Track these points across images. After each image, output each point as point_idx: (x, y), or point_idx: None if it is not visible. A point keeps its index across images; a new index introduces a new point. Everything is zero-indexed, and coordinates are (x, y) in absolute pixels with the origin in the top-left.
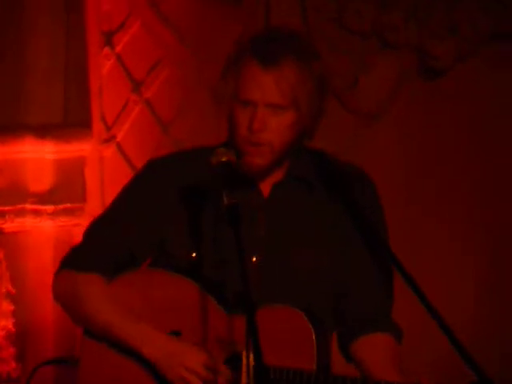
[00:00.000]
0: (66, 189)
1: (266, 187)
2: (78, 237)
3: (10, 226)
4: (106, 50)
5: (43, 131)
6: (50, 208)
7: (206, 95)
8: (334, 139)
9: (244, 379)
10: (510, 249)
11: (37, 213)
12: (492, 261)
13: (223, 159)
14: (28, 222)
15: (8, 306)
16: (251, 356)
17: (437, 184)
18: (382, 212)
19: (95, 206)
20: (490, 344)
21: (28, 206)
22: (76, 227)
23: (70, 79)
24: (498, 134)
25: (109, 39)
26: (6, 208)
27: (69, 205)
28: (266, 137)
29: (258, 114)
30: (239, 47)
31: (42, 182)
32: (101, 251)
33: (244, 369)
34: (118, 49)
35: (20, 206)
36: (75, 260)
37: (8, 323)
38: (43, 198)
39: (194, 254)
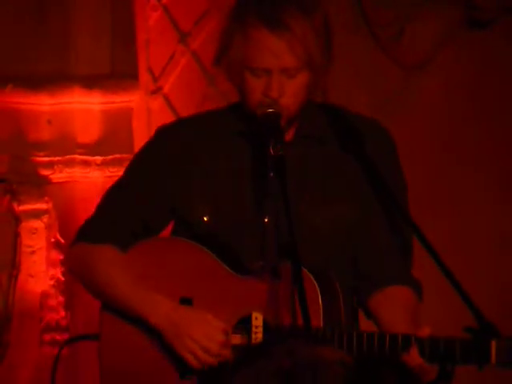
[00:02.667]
0: (113, 139)
1: None
2: None
3: (58, 176)
4: (153, 1)
5: (91, 82)
6: (98, 159)
7: None
8: (378, 90)
9: (254, 340)
10: None
11: (85, 163)
12: None
13: (269, 110)
14: (77, 172)
15: (57, 256)
16: (259, 316)
17: (476, 136)
18: (399, 170)
19: None
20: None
21: (77, 157)
22: None
23: (117, 30)
24: None
25: None
26: (56, 159)
27: (117, 155)
28: (283, 102)
29: (274, 81)
30: (242, 9)
31: (90, 132)
32: (114, 222)
33: (253, 329)
34: (165, 0)
35: (69, 157)
36: (89, 232)
37: (57, 272)
38: (92, 148)
39: (205, 218)
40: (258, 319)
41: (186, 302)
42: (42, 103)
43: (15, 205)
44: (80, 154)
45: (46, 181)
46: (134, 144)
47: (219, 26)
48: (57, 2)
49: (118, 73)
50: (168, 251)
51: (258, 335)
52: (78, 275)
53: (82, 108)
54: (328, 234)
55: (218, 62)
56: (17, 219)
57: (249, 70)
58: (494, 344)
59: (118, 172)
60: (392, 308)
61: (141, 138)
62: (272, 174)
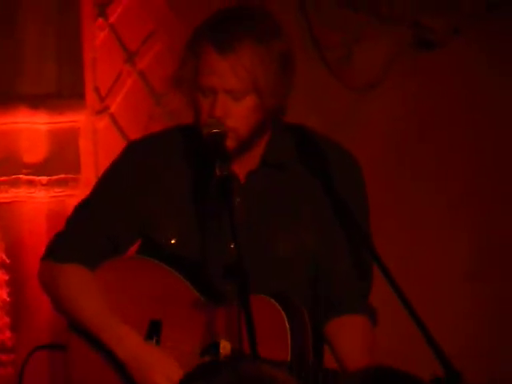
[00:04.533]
0: (59, 160)
1: (241, 173)
2: (71, 207)
3: (4, 196)
4: (100, 20)
5: (37, 102)
6: (44, 179)
7: None
8: (328, 113)
9: None
10: (506, 215)
11: (31, 183)
12: (487, 225)
13: (214, 130)
14: (22, 192)
15: (2, 276)
16: (227, 344)
17: (430, 158)
18: (363, 195)
19: (89, 176)
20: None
21: (22, 177)
22: (70, 198)
23: (64, 50)
24: (492, 107)
25: (102, 10)
26: (1, 179)
27: (63, 175)
28: (230, 124)
29: (218, 100)
30: (196, 31)
31: (36, 152)
32: (81, 240)
33: (221, 358)
34: (112, 19)
35: (14, 177)
36: (56, 250)
37: (2, 293)
38: (37, 168)
39: (173, 241)
40: (226, 348)
41: (155, 324)
42: None
43: None
44: (26, 173)
45: None
46: (80, 164)
47: (166, 46)
48: (2, 21)
49: (64, 92)
50: (137, 271)
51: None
52: (46, 293)
53: (28, 128)
54: (290, 261)
55: (174, 82)
56: None
57: (199, 90)
58: None
59: (64, 192)
60: (349, 336)
61: (87, 157)
62: (239, 200)
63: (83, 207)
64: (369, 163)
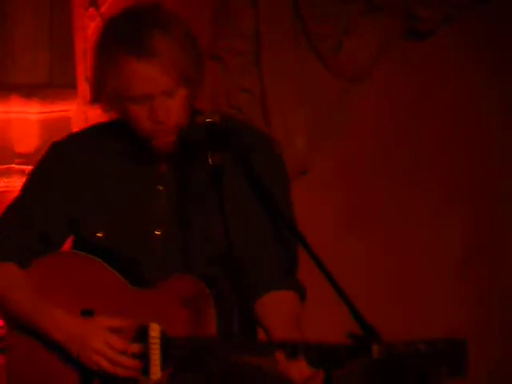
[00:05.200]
0: None
1: (162, 159)
2: None
3: None
4: (91, 10)
5: (29, 92)
6: None
7: None
8: (317, 102)
9: (152, 350)
10: (494, 210)
11: (23, 173)
12: (477, 220)
13: (207, 120)
14: (14, 182)
15: None
16: (156, 327)
17: (420, 148)
18: (282, 177)
19: None
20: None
21: (14, 166)
22: None
23: (56, 40)
24: (483, 97)
25: (93, 0)
26: None
27: None
28: (173, 120)
29: (157, 104)
30: (107, 41)
31: (27, 142)
32: (11, 239)
33: (151, 340)
34: (103, 9)
35: (6, 166)
36: None
37: None
38: (30, 158)
39: (99, 234)
40: (154, 329)
41: (87, 313)
42: None
43: None
44: (18, 163)
45: None
46: None
47: None
48: None
49: (56, 82)
50: (67, 265)
51: (155, 345)
52: None
53: (20, 117)
54: (210, 245)
55: (97, 98)
56: None
57: (129, 100)
58: (375, 348)
59: None
60: (276, 312)
61: None
62: (162, 188)
63: (12, 207)
64: (358, 153)
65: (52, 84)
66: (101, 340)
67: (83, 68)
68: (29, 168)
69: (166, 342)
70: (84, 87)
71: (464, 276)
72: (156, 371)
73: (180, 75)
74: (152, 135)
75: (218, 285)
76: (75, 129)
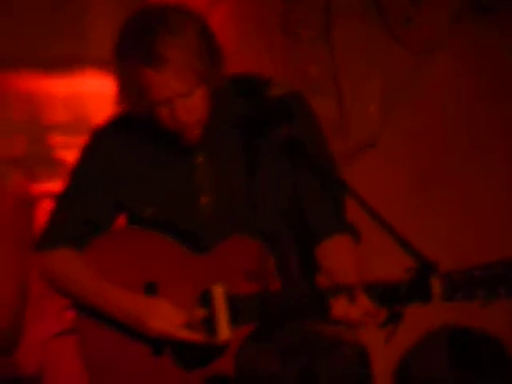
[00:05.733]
0: None
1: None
2: None
3: (74, 158)
4: None
5: (104, 66)
6: None
7: (265, 28)
8: (388, 75)
9: (217, 312)
10: None
11: None
12: None
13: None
14: None
15: None
16: (218, 288)
17: (488, 118)
18: (317, 127)
19: None
20: None
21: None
22: None
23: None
24: None
25: None
26: (71, 140)
27: None
28: (194, 118)
29: (177, 106)
30: (122, 54)
31: (103, 115)
32: (63, 226)
33: (215, 302)
34: None
35: (84, 139)
36: (44, 241)
37: None
38: None
39: (150, 210)
40: (217, 291)
41: (150, 288)
42: (57, 86)
43: (32, 186)
44: None
45: (61, 162)
46: None
47: None
48: None
49: None
50: (125, 240)
51: (219, 306)
52: (48, 281)
53: (95, 91)
54: (259, 204)
55: (122, 101)
56: (33, 200)
57: (153, 104)
58: (434, 281)
59: None
60: (335, 256)
61: None
62: (201, 158)
63: (62, 196)
64: (428, 126)
65: None
66: (161, 319)
67: None
68: None
69: (231, 301)
70: None
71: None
72: (224, 332)
73: (195, 76)
74: (178, 132)
75: (275, 239)
76: None
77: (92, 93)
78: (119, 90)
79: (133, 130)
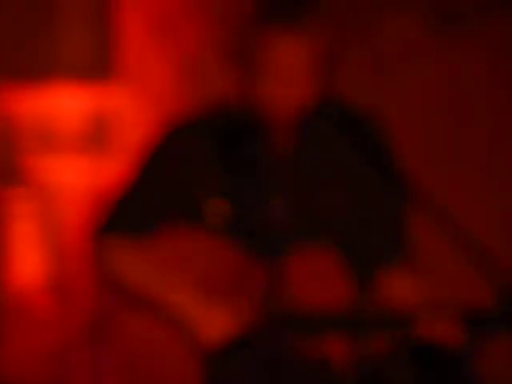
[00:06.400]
0: (96, 138)
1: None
2: (108, 183)
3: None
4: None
5: (73, 81)
6: (81, 156)
7: None
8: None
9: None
10: None
11: (68, 161)
12: None
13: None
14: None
15: None
16: (276, 301)
17: (457, 135)
18: (387, 149)
19: (120, 154)
20: None
21: (60, 154)
22: (104, 174)
23: (97, 28)
24: None
25: None
26: (38, 156)
27: (99, 153)
28: (297, 92)
29: (289, 72)
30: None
31: (73, 130)
32: (137, 213)
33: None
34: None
35: (51, 154)
36: (113, 224)
37: None
38: (75, 146)
39: (223, 218)
40: (274, 303)
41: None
42: (31, 100)
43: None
44: (63, 151)
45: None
46: (115, 141)
47: None
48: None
49: (99, 71)
50: (193, 245)
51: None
52: (103, 265)
53: (65, 106)
54: (329, 217)
55: (230, 58)
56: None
57: (265, 61)
58: None
59: (101, 169)
60: (402, 289)
61: (120, 135)
62: (278, 161)
63: (131, 190)
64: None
65: (95, 73)
66: (217, 327)
67: (123, 58)
68: (74, 156)
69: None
70: (124, 76)
71: None
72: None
73: (319, 61)
74: (273, 103)
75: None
76: (117, 118)
77: (61, 108)
78: (237, 44)
79: (205, 134)
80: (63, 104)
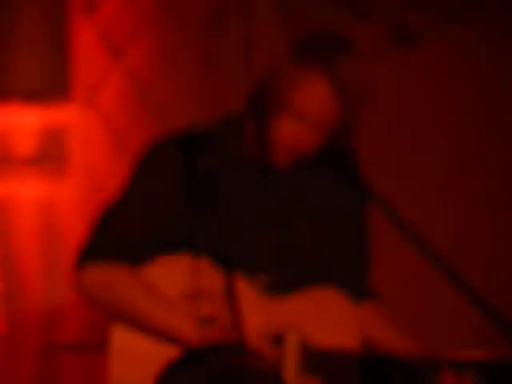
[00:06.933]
0: (48, 155)
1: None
2: (60, 202)
3: None
4: (88, 16)
5: (26, 98)
6: (33, 173)
7: (187, 63)
8: None
9: (288, 359)
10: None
11: (21, 178)
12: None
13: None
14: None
15: None
16: (294, 336)
17: (413, 154)
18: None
19: (77, 172)
20: None
21: (12, 172)
22: (59, 192)
23: (51, 46)
24: (469, 99)
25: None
26: None
27: (52, 170)
28: (305, 151)
29: (306, 131)
30: (303, 56)
31: (26, 148)
32: (124, 237)
33: (288, 349)
34: (100, 15)
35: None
36: (93, 250)
37: None
38: (27, 163)
39: (222, 252)
40: (292, 338)
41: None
42: None
43: None
44: (16, 169)
45: None
46: (68, 159)
47: (154, 42)
48: None
49: (52, 88)
50: (188, 270)
51: (291, 353)
52: (91, 294)
53: (18, 123)
54: (303, 253)
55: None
56: None
57: (292, 112)
58: None
59: (52, 186)
60: (379, 325)
61: (75, 153)
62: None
63: (117, 208)
64: None
65: (49, 90)
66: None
67: (79, 74)
68: (27, 173)
69: (306, 351)
70: (80, 93)
71: None
72: (290, 380)
73: (338, 119)
74: (279, 150)
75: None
76: (72, 135)
77: (14, 125)
78: (263, 90)
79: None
80: (17, 122)
